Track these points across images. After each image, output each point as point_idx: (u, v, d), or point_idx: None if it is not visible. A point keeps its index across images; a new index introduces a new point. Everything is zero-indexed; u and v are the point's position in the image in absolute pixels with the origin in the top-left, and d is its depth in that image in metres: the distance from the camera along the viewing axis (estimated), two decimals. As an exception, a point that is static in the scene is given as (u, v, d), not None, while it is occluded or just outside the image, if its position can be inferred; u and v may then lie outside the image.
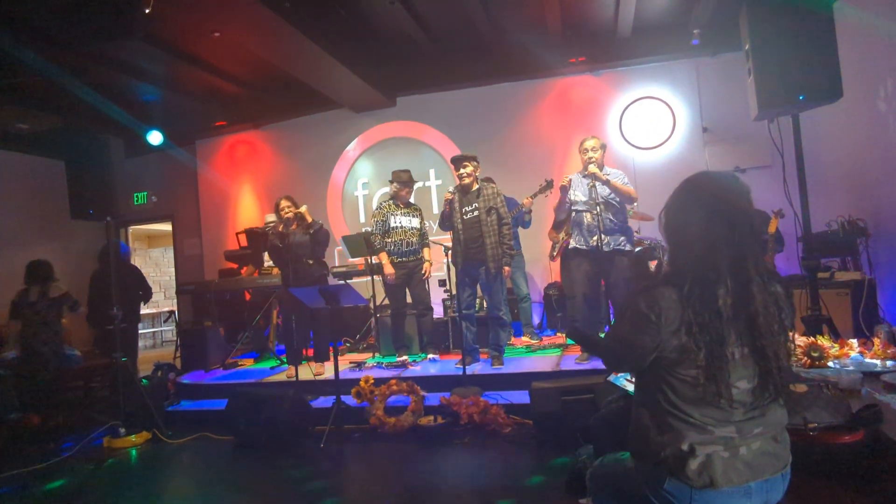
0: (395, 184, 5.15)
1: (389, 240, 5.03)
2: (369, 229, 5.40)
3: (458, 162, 4.64)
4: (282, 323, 5.87)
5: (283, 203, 4.93)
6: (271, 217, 5.36)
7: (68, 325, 6.25)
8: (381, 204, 5.20)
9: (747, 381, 1.33)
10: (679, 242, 1.42)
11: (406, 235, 5.07)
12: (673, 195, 1.47)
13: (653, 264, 5.19)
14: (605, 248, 4.09)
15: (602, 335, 4.66)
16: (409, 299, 5.26)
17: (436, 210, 7.15)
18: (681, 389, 1.34)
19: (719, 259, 1.33)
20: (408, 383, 3.96)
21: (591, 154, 4.19)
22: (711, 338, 1.30)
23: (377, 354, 5.49)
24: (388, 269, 4.97)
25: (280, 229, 4.89)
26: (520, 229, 5.64)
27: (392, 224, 5.04)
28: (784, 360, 1.35)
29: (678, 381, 1.34)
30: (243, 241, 7.34)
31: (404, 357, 4.99)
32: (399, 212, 5.09)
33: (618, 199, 4.19)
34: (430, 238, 5.43)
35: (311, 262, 4.92)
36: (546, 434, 3.39)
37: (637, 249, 4.60)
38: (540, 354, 4.91)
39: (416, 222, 5.14)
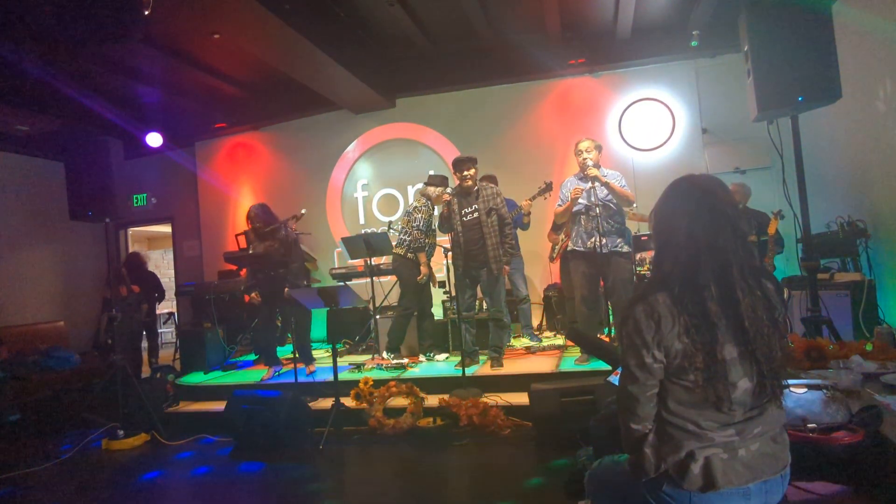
0: (440, 188, 5.06)
1: (428, 241, 5.01)
2: (372, 230, 5.37)
3: (460, 164, 4.59)
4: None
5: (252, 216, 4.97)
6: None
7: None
8: (426, 203, 5.06)
9: (748, 379, 1.32)
10: (665, 248, 1.43)
11: (436, 240, 5.11)
12: (659, 200, 1.49)
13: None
14: (603, 250, 4.08)
15: (602, 337, 4.68)
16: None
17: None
18: (682, 395, 1.34)
19: (703, 266, 1.34)
20: (407, 385, 3.96)
21: (585, 155, 4.17)
22: (705, 339, 1.30)
23: (376, 356, 5.48)
24: (426, 270, 4.96)
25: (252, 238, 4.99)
26: (518, 231, 5.64)
27: (433, 226, 5.05)
28: (777, 362, 1.34)
29: (680, 387, 1.33)
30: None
31: (404, 359, 4.98)
32: (432, 216, 5.09)
33: (615, 202, 4.18)
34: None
35: (279, 272, 4.83)
36: (545, 436, 3.38)
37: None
38: (539, 356, 4.90)
39: None
